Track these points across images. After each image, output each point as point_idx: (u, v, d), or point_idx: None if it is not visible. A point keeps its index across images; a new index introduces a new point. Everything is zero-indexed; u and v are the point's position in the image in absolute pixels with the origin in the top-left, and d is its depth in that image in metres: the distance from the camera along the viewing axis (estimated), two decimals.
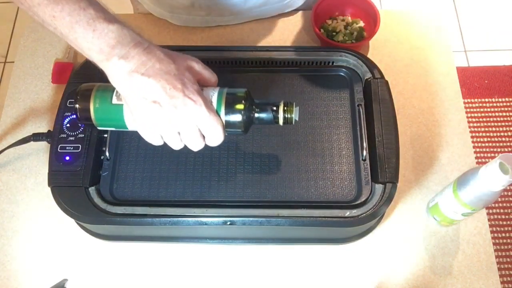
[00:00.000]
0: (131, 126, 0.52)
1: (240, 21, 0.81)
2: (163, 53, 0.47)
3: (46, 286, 0.60)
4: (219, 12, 0.78)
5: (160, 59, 0.46)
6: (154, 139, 0.50)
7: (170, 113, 0.46)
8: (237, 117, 0.51)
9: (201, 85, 0.50)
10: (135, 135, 0.63)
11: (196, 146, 0.50)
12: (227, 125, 0.51)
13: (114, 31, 0.44)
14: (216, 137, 0.49)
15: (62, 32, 0.45)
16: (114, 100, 0.50)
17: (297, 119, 0.53)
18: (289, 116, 0.52)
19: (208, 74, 0.52)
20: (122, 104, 0.50)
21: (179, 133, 0.48)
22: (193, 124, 0.47)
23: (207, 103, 0.48)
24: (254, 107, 0.52)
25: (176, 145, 0.50)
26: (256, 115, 0.52)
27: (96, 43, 0.44)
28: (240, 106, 0.50)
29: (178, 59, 0.49)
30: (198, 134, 0.49)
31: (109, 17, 0.45)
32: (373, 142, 0.60)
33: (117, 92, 0.51)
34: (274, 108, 0.52)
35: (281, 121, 0.52)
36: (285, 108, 0.52)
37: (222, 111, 0.50)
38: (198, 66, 0.51)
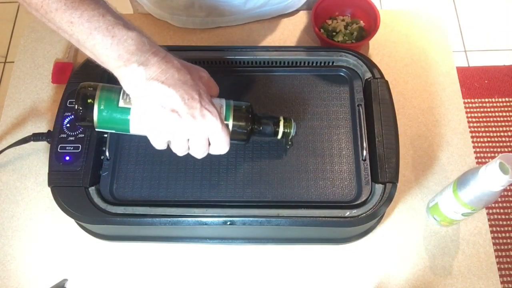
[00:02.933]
0: (135, 130, 0.51)
1: (240, 22, 0.81)
2: (180, 63, 0.48)
3: (46, 286, 0.60)
4: (219, 12, 0.78)
5: (178, 69, 0.47)
6: (161, 145, 0.51)
7: (187, 122, 0.47)
8: (243, 129, 0.54)
9: None
10: (134, 135, 0.63)
11: (201, 154, 0.52)
12: (232, 135, 0.53)
13: (133, 38, 0.45)
14: (222, 147, 0.52)
15: (79, 39, 0.45)
16: (121, 103, 0.50)
17: (294, 134, 0.57)
18: (287, 131, 0.56)
19: (213, 84, 0.54)
20: (129, 108, 0.50)
21: (187, 140, 0.50)
22: (205, 133, 0.49)
23: (220, 115, 0.50)
24: (256, 120, 0.56)
25: (181, 152, 0.52)
26: (258, 128, 0.56)
27: (115, 50, 0.44)
28: (246, 119, 0.54)
29: (192, 69, 0.50)
30: (206, 143, 0.51)
31: (127, 24, 0.45)
32: (373, 142, 0.60)
33: (124, 95, 0.50)
34: (275, 122, 0.56)
35: (280, 135, 0.57)
36: (285, 123, 0.56)
37: (230, 122, 0.53)
38: (206, 77, 0.53)
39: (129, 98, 0.50)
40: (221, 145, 0.51)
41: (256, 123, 0.56)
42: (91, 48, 0.45)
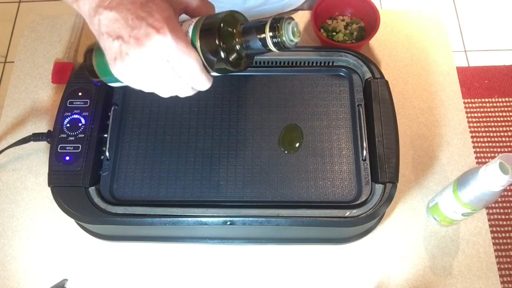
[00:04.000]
0: None
1: None
2: None
3: (46, 286, 0.60)
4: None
5: None
6: (137, 84, 0.43)
7: (134, 48, 0.39)
8: (215, 48, 0.41)
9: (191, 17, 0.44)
10: (134, 135, 0.63)
11: (179, 90, 0.43)
12: (209, 61, 0.42)
13: None
14: (193, 75, 0.42)
15: None
16: None
17: (293, 39, 0.41)
18: (279, 39, 0.40)
19: (196, 2, 0.45)
20: None
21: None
22: (162, 59, 0.40)
23: (177, 32, 0.40)
24: (236, 33, 0.42)
25: (161, 92, 0.44)
26: (239, 44, 0.42)
27: None
28: (217, 34, 0.41)
29: None
30: (174, 74, 0.42)
31: None
32: (373, 142, 0.60)
33: None
34: (259, 29, 0.41)
35: (271, 46, 0.41)
36: (273, 26, 0.40)
37: (198, 43, 0.41)
38: None
39: None
40: (189, 72, 0.41)
41: (236, 38, 0.42)
42: None
